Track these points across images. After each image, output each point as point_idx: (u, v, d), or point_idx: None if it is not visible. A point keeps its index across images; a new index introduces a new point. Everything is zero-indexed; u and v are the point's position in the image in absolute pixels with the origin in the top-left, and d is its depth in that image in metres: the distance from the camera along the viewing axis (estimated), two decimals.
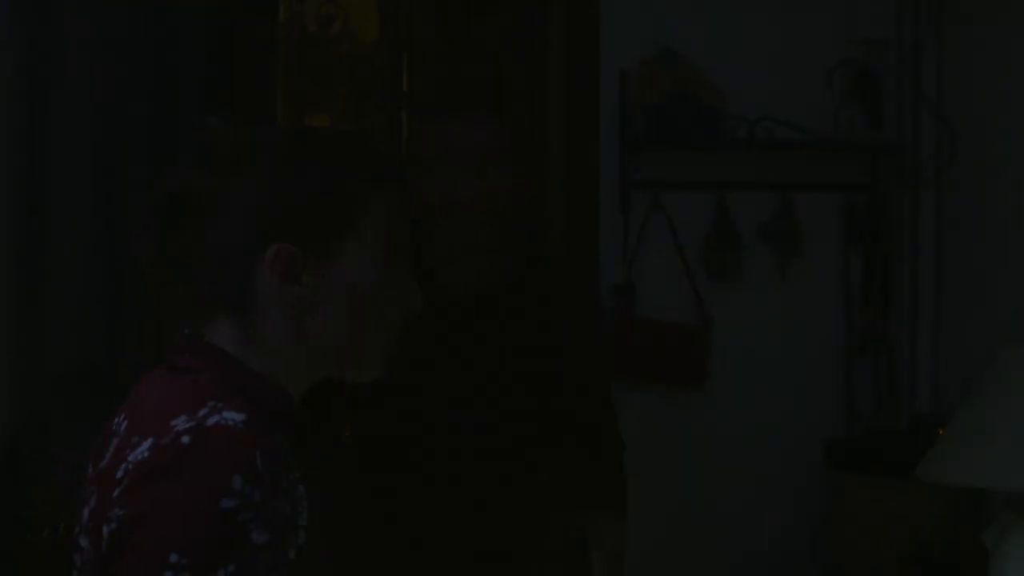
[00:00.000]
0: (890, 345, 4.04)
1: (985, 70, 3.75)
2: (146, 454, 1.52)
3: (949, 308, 3.97)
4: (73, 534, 1.63)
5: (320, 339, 1.63)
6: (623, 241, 3.86)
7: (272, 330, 1.63)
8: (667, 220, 3.91)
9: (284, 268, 1.60)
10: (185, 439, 1.50)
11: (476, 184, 2.56)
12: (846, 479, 3.69)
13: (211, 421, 1.51)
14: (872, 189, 4.02)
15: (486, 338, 2.68)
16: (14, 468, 3.13)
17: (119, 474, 1.54)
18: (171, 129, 3.54)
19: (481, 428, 2.68)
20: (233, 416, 1.52)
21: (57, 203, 3.50)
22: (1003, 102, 3.61)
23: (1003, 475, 2.83)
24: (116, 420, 1.65)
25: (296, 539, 1.51)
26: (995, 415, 2.86)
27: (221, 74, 3.61)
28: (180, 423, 1.52)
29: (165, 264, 1.63)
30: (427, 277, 2.65)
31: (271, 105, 3.83)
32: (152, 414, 1.57)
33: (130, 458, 1.54)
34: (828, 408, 4.03)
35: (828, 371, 4.04)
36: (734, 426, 3.99)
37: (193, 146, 1.69)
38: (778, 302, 4.02)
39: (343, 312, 1.64)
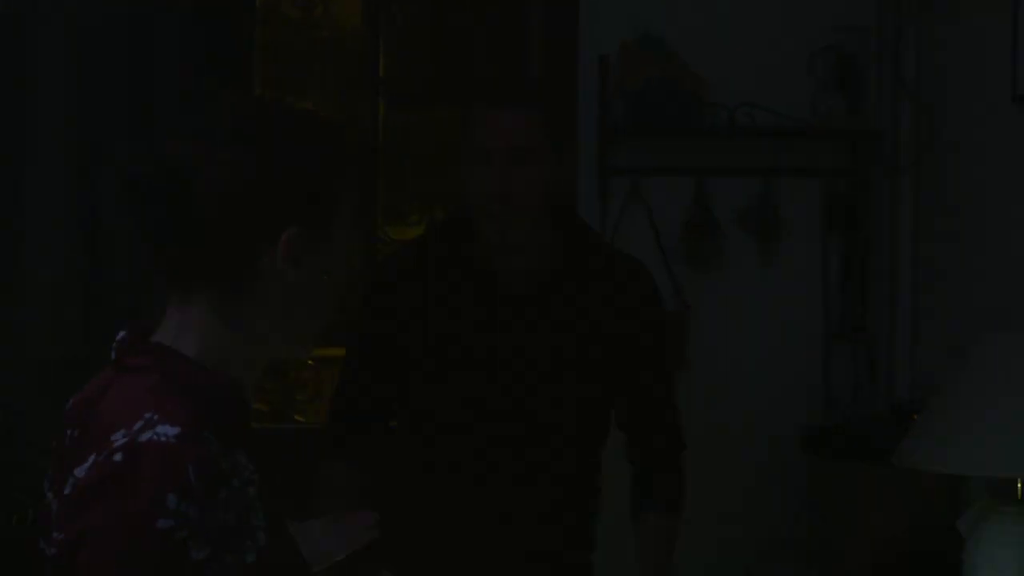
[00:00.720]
0: (869, 332, 4.04)
1: (964, 58, 3.75)
2: (85, 472, 1.49)
3: (927, 295, 3.97)
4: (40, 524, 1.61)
5: (303, 322, 1.62)
6: (601, 227, 3.85)
7: (263, 315, 1.60)
8: (646, 206, 3.90)
9: (294, 251, 1.58)
10: (117, 457, 1.46)
11: (522, 174, 2.58)
12: (824, 466, 3.69)
13: (143, 437, 1.46)
14: (852, 175, 4.02)
15: (546, 322, 2.70)
16: None
17: (67, 490, 1.51)
18: (147, 118, 3.52)
19: (542, 410, 2.70)
20: (166, 431, 1.47)
21: (32, 189, 3.49)
22: (982, 90, 3.61)
23: (978, 462, 2.83)
24: (69, 430, 1.62)
25: (253, 543, 1.48)
26: (971, 402, 2.87)
27: (198, 59, 3.60)
28: (118, 438, 1.48)
29: (150, 240, 1.59)
30: (483, 268, 2.69)
31: (249, 91, 3.82)
32: (98, 425, 1.53)
33: (76, 473, 1.51)
34: (806, 395, 4.03)
35: (807, 358, 4.04)
36: (712, 413, 3.99)
37: (195, 118, 1.63)
38: (757, 288, 4.02)
39: (325, 292, 1.63)
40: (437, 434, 2.74)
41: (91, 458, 1.49)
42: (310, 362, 4.54)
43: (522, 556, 2.73)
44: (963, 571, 2.90)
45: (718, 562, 3.98)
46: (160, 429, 1.47)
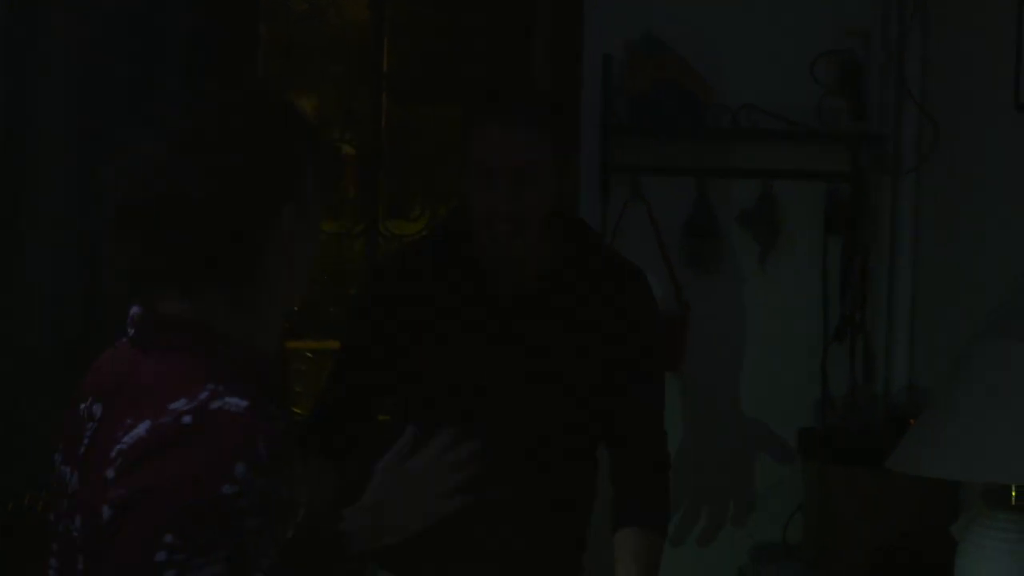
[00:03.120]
0: (868, 335, 4.04)
1: (968, 63, 3.74)
2: (143, 434, 1.51)
3: (926, 299, 3.97)
4: (41, 511, 1.63)
5: (291, 297, 1.68)
6: (601, 227, 3.85)
7: (266, 296, 1.63)
8: (647, 207, 3.90)
9: (291, 225, 1.62)
10: (187, 419, 1.50)
11: (527, 193, 2.59)
12: (820, 468, 3.69)
13: (214, 405, 1.51)
14: (853, 179, 4.01)
15: (544, 324, 2.70)
16: None
17: (112, 454, 1.53)
18: (151, 111, 3.52)
19: (539, 412, 2.70)
20: (237, 402, 1.51)
21: (32, 175, 3.49)
22: (985, 95, 3.61)
23: (972, 468, 2.83)
24: (84, 404, 1.63)
25: (295, 517, 1.53)
26: (967, 408, 2.86)
27: (202, 53, 3.60)
28: (180, 405, 1.51)
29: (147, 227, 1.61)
30: (476, 276, 2.69)
31: (252, 84, 3.81)
32: (143, 395, 1.55)
33: (125, 439, 1.52)
34: (804, 397, 4.03)
35: (805, 360, 4.03)
36: (710, 414, 3.99)
37: (187, 108, 1.67)
38: (757, 290, 4.02)
39: (306, 266, 1.69)
40: (432, 433, 2.73)
41: (144, 424, 1.51)
42: (308, 354, 4.55)
43: (515, 554, 2.73)
44: (955, 575, 2.91)
45: (713, 564, 3.98)
46: (230, 400, 1.51)
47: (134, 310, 1.65)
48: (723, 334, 4.00)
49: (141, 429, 1.51)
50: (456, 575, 2.74)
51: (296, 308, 1.78)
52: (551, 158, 2.61)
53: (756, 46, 3.95)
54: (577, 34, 3.89)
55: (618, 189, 3.90)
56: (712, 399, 3.99)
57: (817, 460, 3.73)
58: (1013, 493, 2.88)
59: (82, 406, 1.64)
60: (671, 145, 3.95)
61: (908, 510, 3.52)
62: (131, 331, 1.64)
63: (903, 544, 3.50)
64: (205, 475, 1.46)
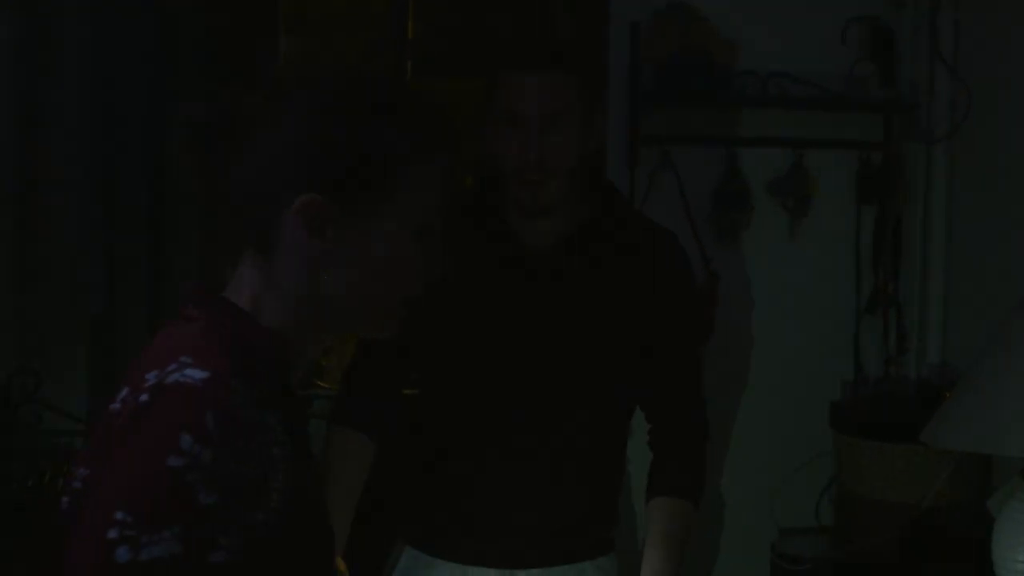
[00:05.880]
0: (901, 306, 3.99)
1: (1002, 29, 3.68)
2: (115, 410, 1.50)
3: (960, 271, 3.91)
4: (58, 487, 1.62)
5: (334, 298, 1.59)
6: (630, 197, 3.80)
7: (290, 279, 1.59)
8: (676, 176, 3.85)
9: (310, 220, 1.56)
10: (144, 397, 1.47)
11: (554, 139, 2.56)
12: (852, 442, 3.65)
13: (171, 379, 1.48)
14: (885, 148, 3.96)
15: (574, 286, 2.66)
16: (4, 416, 3.11)
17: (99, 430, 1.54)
18: (170, 84, 3.50)
19: (566, 375, 2.66)
20: (194, 373, 1.48)
21: (55, 155, 3.48)
22: (1019, 61, 3.55)
23: (1009, 441, 2.78)
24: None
25: (266, 501, 1.47)
26: (1003, 380, 2.82)
27: (221, 26, 3.56)
28: (150, 378, 1.49)
29: (205, 191, 1.61)
30: (503, 233, 2.66)
31: (272, 57, 3.79)
32: (138, 366, 1.55)
33: (110, 408, 1.52)
34: (835, 371, 3.99)
35: (836, 332, 3.99)
36: (739, 386, 3.95)
37: (250, 74, 1.64)
38: (787, 261, 3.97)
39: (360, 275, 1.60)
40: (460, 399, 2.70)
41: (122, 393, 1.51)
42: None
43: (542, 526, 2.70)
44: (992, 551, 2.86)
45: (744, 538, 3.95)
46: (189, 372, 1.48)
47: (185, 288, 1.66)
48: (753, 305, 3.95)
49: (116, 401, 1.50)
50: (482, 548, 2.70)
51: (376, 334, 1.70)
52: (577, 103, 2.57)
53: (786, 12, 3.89)
54: (604, 2, 3.84)
55: (646, 159, 3.85)
56: (742, 372, 3.95)
57: (849, 434, 3.68)
58: None
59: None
60: (700, 114, 3.90)
61: (940, 485, 3.48)
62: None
63: (936, 519, 3.46)
64: (153, 447, 1.43)
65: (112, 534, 1.40)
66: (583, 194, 2.69)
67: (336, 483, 2.60)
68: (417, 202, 1.60)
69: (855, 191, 3.98)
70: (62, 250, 3.50)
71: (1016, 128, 3.60)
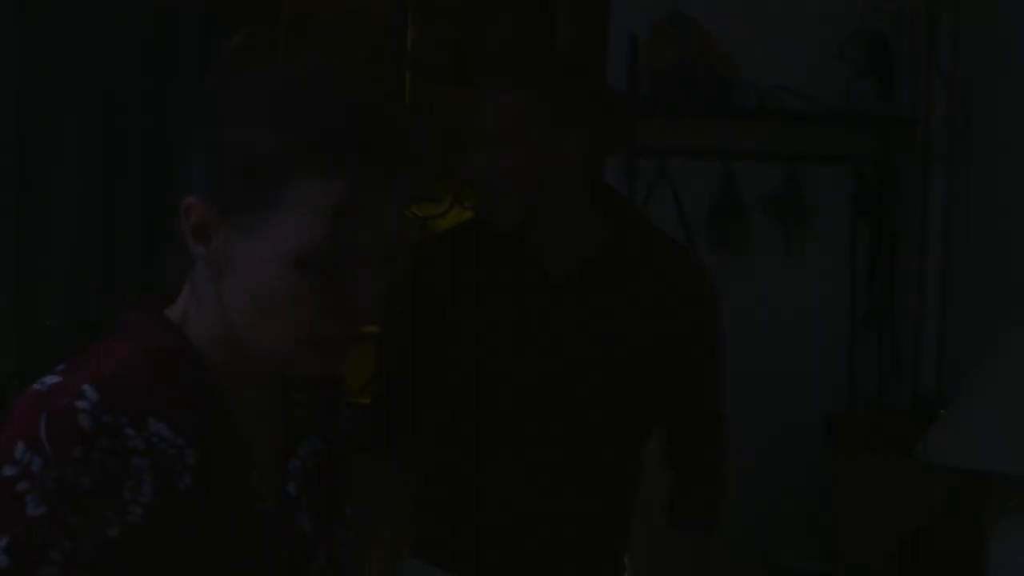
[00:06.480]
0: (895, 321, 3.99)
1: (1000, 44, 3.69)
2: None
3: (956, 286, 3.91)
4: None
5: (233, 313, 1.44)
6: None
7: (201, 288, 1.47)
8: (672, 189, 3.85)
9: (192, 225, 1.43)
10: (12, 405, 1.40)
11: (500, 160, 2.48)
12: (846, 456, 3.65)
13: (34, 386, 1.40)
14: (882, 162, 3.96)
15: (589, 308, 2.59)
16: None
17: None
18: (169, 88, 3.49)
19: (586, 396, 2.60)
20: (48, 380, 1.40)
21: (52, 153, 3.47)
22: (1018, 76, 3.55)
23: (1001, 457, 2.78)
24: None
25: (119, 516, 1.38)
26: (997, 396, 2.82)
27: (220, 33, 3.56)
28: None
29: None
30: (524, 257, 2.58)
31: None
32: None
33: None
34: (830, 384, 3.98)
35: (831, 347, 3.99)
36: (734, 399, 3.94)
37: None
38: (783, 275, 3.97)
39: (246, 300, 1.42)
40: (477, 422, 2.65)
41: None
42: None
43: (556, 546, 2.66)
44: (985, 566, 2.86)
45: (737, 550, 3.94)
46: (47, 379, 1.40)
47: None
48: (748, 318, 3.94)
49: None
50: (492, 564, 2.67)
51: (289, 370, 1.49)
52: (536, 121, 2.46)
53: (784, 26, 3.90)
54: (603, 13, 3.84)
55: (644, 169, 3.85)
56: (736, 385, 3.93)
57: (843, 448, 3.68)
58: None
59: None
60: (697, 126, 3.90)
61: (934, 500, 3.47)
62: None
63: (929, 533, 3.46)
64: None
65: None
66: (594, 214, 2.60)
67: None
68: (297, 225, 1.38)
69: (851, 205, 3.98)
70: (61, 252, 3.50)
71: (1014, 144, 3.60)
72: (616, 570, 2.75)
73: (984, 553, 2.87)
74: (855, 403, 3.98)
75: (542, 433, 2.59)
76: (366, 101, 1.41)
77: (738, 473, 3.92)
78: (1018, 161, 3.58)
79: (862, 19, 3.92)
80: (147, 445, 1.40)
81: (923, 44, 3.95)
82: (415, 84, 4.13)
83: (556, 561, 2.64)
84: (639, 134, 3.82)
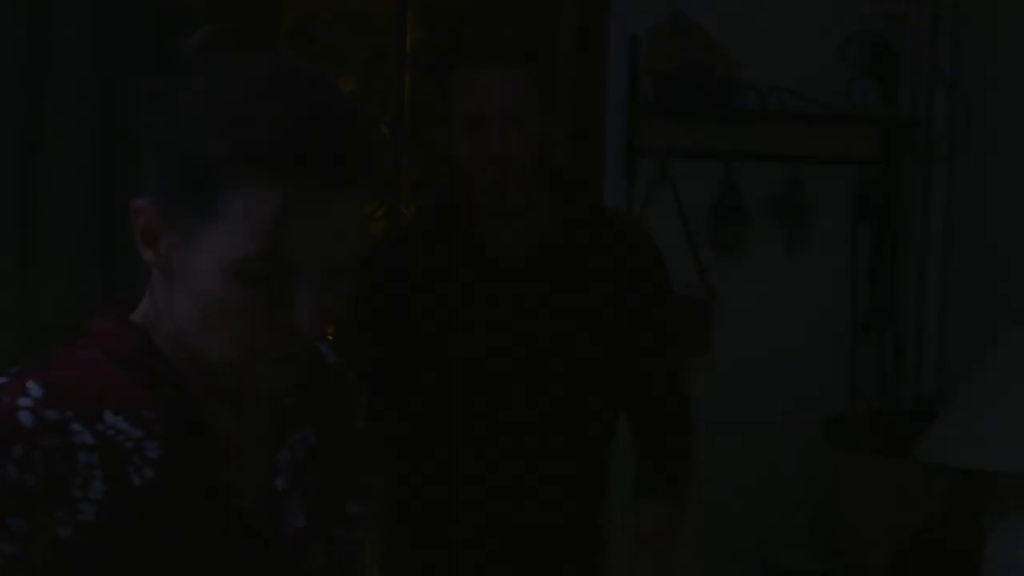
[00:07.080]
0: (897, 322, 3.99)
1: (1001, 45, 3.69)
2: None
3: (956, 287, 3.91)
4: None
5: (181, 321, 1.40)
6: (628, 208, 3.80)
7: (156, 293, 1.44)
8: (673, 190, 3.85)
9: (140, 227, 1.40)
10: None
11: (517, 136, 2.53)
12: (846, 457, 3.65)
13: None
14: (884, 164, 3.96)
15: (548, 293, 2.63)
16: None
17: None
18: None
19: (537, 395, 2.62)
20: None
21: (52, 151, 3.48)
22: (1019, 79, 3.55)
23: (1003, 457, 2.78)
24: None
25: (70, 515, 1.35)
26: (997, 396, 2.82)
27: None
28: None
29: None
30: (472, 241, 2.63)
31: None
32: None
33: None
34: (831, 385, 3.98)
35: (832, 348, 3.99)
36: (736, 400, 3.95)
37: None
38: (784, 276, 3.97)
39: (191, 308, 1.38)
40: (435, 414, 2.67)
41: None
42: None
43: (529, 539, 2.67)
44: (985, 566, 2.86)
45: (737, 552, 3.94)
46: None
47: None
48: (749, 319, 3.95)
49: None
50: (467, 562, 2.68)
51: (256, 386, 1.42)
52: (535, 100, 2.54)
53: (786, 27, 3.90)
54: (604, 14, 3.84)
55: (644, 172, 3.85)
56: (737, 386, 3.94)
57: (844, 449, 3.68)
58: None
59: None
60: (698, 127, 3.90)
61: (935, 500, 3.47)
62: None
63: (930, 534, 3.46)
64: None
65: None
66: (549, 197, 2.66)
67: None
68: (236, 236, 1.32)
69: (853, 206, 3.98)
70: (61, 252, 3.50)
71: (1015, 145, 3.60)
72: (593, 557, 2.75)
73: (984, 553, 2.87)
74: (856, 404, 3.98)
75: (515, 421, 2.61)
76: (311, 112, 1.33)
77: (738, 473, 3.94)
78: (1019, 161, 3.58)
79: (863, 20, 3.92)
80: (97, 440, 1.37)
81: (924, 45, 3.95)
82: (415, 86, 4.14)
83: (531, 548, 2.65)
84: (640, 135, 3.83)
